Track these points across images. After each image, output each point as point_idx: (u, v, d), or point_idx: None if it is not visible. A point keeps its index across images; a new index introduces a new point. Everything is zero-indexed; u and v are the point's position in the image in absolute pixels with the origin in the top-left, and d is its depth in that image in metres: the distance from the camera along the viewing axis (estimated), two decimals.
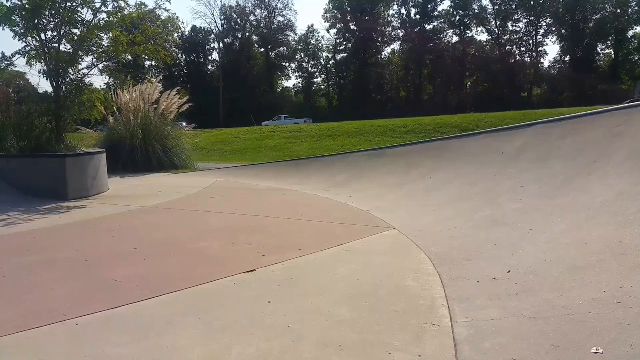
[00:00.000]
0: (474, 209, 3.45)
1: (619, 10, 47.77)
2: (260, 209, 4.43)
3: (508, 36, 54.07)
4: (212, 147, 18.78)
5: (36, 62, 5.56)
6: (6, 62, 5.72)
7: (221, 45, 58.94)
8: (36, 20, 5.35)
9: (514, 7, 52.93)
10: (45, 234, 3.50)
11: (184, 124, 10.22)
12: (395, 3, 56.83)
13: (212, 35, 59.24)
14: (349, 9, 55.90)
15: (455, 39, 55.94)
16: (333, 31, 58.35)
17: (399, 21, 57.79)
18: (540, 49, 53.80)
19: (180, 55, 54.17)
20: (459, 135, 7.14)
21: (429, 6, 55.01)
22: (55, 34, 5.55)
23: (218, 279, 2.27)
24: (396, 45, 58.31)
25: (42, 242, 3.23)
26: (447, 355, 1.46)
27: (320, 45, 59.98)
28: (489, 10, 54.00)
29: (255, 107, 47.29)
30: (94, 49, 5.82)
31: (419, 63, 54.27)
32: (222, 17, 58.27)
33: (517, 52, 54.30)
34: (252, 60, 57.87)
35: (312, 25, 71.27)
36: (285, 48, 60.05)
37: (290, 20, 61.31)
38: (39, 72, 5.70)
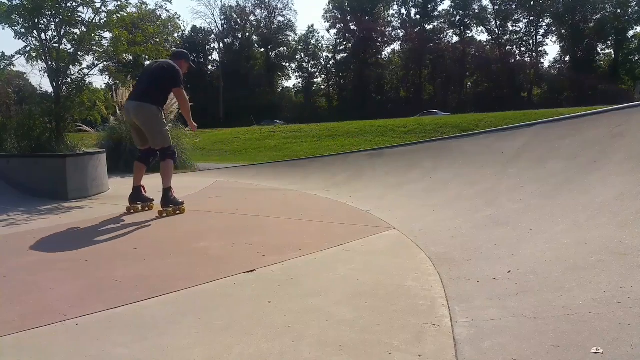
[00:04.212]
0: (474, 209, 3.45)
1: (619, 10, 47.81)
2: (260, 209, 4.44)
3: (508, 36, 54.15)
4: (212, 147, 18.79)
5: (37, 61, 5.57)
6: (6, 62, 5.72)
7: (221, 45, 58.97)
8: (36, 20, 5.36)
9: (514, 7, 52.98)
10: (45, 234, 3.50)
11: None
12: (395, 3, 56.91)
13: (212, 35, 59.25)
14: (348, 9, 55.96)
15: (455, 39, 56.05)
16: (333, 31, 58.47)
17: (399, 21, 57.91)
18: (540, 49, 53.93)
19: None
20: (458, 135, 7.14)
21: (429, 6, 55.07)
22: (55, 33, 5.55)
23: (218, 279, 2.27)
24: (396, 45, 58.37)
25: (42, 242, 3.23)
26: (447, 355, 1.46)
27: (320, 45, 60.05)
28: (489, 10, 54.08)
29: (256, 107, 47.31)
30: (95, 48, 5.82)
31: (419, 63, 54.31)
32: (222, 17, 58.34)
33: (517, 52, 54.39)
34: (252, 60, 57.91)
35: (312, 25, 71.58)
36: (285, 48, 60.09)
37: (290, 20, 61.46)
38: (40, 71, 5.72)
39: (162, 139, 4.30)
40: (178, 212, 4.19)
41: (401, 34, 56.71)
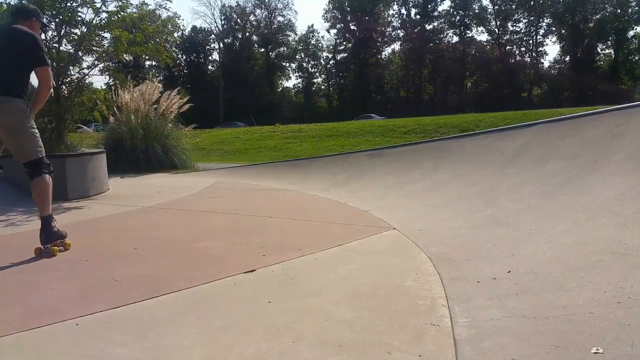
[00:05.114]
0: (474, 209, 3.45)
1: (619, 10, 47.79)
2: (260, 209, 4.44)
3: (508, 36, 54.12)
4: (212, 147, 18.78)
5: None
6: None
7: (221, 45, 58.95)
8: None
9: (514, 7, 52.93)
10: None
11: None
12: (395, 3, 56.88)
13: (212, 35, 59.24)
14: (348, 9, 55.95)
15: (455, 39, 56.02)
16: (333, 31, 58.44)
17: (399, 21, 57.87)
18: (540, 49, 53.91)
19: (180, 55, 54.20)
20: (459, 135, 7.14)
21: (429, 6, 55.04)
22: (55, 33, 5.55)
23: (218, 279, 2.27)
24: (396, 45, 58.33)
25: None
26: (447, 355, 1.46)
27: (320, 45, 60.01)
28: (489, 10, 54.04)
29: (256, 107, 47.31)
30: (95, 48, 5.82)
31: (419, 63, 54.29)
32: (222, 17, 58.33)
33: (517, 52, 54.36)
34: (252, 60, 57.88)
35: (312, 25, 71.58)
36: (285, 48, 60.07)
37: (290, 20, 61.43)
38: None
39: (34, 147, 2.90)
40: (61, 248, 2.89)
41: (401, 34, 56.69)
